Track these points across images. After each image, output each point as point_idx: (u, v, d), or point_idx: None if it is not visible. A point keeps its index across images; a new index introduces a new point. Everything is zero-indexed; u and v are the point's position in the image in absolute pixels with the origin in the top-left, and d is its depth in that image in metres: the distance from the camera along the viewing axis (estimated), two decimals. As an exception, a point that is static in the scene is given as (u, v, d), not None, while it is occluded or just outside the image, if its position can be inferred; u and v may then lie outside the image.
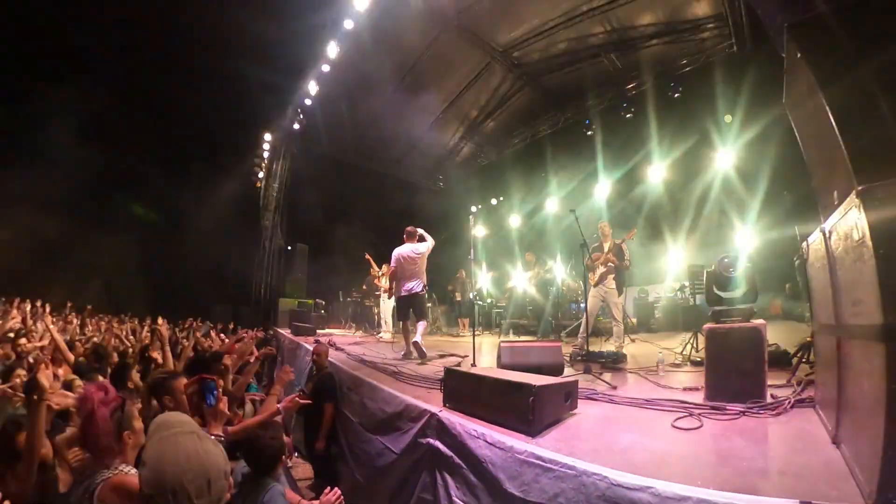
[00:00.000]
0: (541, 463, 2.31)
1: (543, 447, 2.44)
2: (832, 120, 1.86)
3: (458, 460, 3.01)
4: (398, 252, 6.59)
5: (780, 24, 2.11)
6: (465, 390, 3.39)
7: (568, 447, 2.45)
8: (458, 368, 3.71)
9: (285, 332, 11.82)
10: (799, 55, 2.11)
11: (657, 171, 11.30)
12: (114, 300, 14.78)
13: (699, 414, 2.88)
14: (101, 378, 4.12)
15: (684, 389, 3.72)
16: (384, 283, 10.36)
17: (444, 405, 3.50)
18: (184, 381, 3.19)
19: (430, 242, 6.61)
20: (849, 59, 1.87)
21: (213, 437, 1.43)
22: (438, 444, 3.27)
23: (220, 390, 2.38)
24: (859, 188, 1.63)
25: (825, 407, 2.57)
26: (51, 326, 5.31)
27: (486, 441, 2.75)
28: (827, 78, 1.94)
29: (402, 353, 6.55)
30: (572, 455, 2.27)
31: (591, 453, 2.31)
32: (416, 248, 6.57)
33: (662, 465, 2.10)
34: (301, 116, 14.11)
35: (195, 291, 16.32)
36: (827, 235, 2.19)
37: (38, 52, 12.77)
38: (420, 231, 6.69)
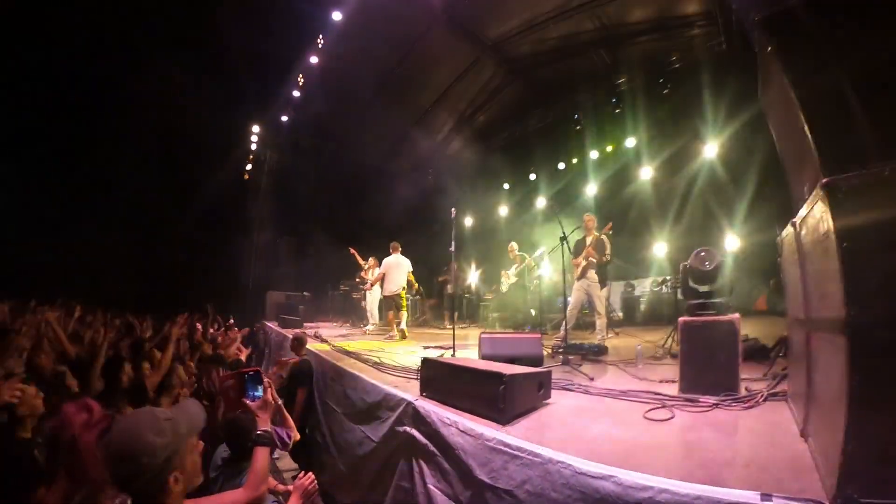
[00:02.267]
0: (509, 450, 2.33)
1: (513, 435, 2.45)
2: (801, 113, 1.86)
3: (432, 448, 3.04)
4: (388, 261, 8.93)
5: (753, 18, 2.11)
6: (440, 379, 3.41)
7: (537, 436, 2.46)
8: (433, 358, 3.71)
9: (273, 325, 11.78)
10: (769, 49, 2.11)
11: (645, 167, 11.33)
12: (102, 294, 14.58)
13: (672, 405, 2.91)
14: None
15: (661, 381, 3.74)
16: (370, 276, 10.36)
17: (422, 394, 3.53)
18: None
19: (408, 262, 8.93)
20: (819, 52, 1.87)
21: (162, 427, 1.42)
22: (414, 432, 3.30)
23: (267, 380, 2.28)
24: (824, 181, 1.64)
25: (796, 401, 2.59)
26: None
27: (458, 429, 2.77)
28: (796, 71, 1.94)
29: (389, 335, 8.56)
30: (541, 443, 2.28)
31: (560, 442, 2.32)
32: (401, 260, 8.88)
33: (629, 455, 2.10)
34: (289, 109, 13.96)
35: (183, 284, 16.14)
36: (797, 229, 2.20)
37: (27, 46, 12.49)
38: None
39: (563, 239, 5.62)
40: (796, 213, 2.26)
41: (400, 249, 9.07)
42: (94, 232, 15.19)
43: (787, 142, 2.45)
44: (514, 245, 9.96)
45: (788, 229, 2.46)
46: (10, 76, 12.66)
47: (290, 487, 2.83)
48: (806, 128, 1.83)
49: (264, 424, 2.07)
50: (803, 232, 2.09)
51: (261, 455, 1.96)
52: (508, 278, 9.78)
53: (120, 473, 1.35)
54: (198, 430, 1.57)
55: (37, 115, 13.79)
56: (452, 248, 5.73)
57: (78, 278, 13.79)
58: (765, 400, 2.94)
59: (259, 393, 2.19)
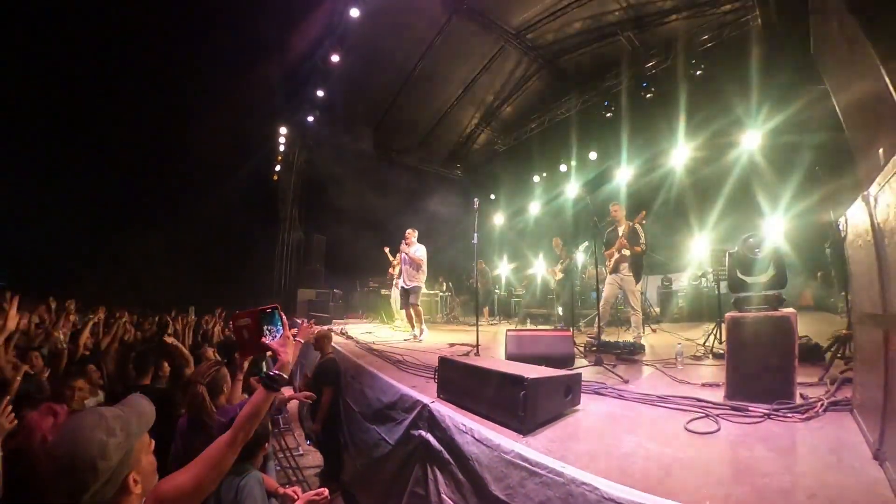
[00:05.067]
0: (527, 466, 2.06)
1: (534, 447, 2.18)
2: (877, 58, 1.49)
3: (447, 455, 2.82)
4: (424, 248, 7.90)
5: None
6: (458, 381, 3.18)
7: (561, 449, 2.17)
8: (451, 357, 3.44)
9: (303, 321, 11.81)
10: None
11: (680, 153, 10.77)
12: (138, 294, 15.03)
13: (717, 415, 2.55)
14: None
15: (703, 385, 3.38)
16: (396, 272, 10.21)
17: (438, 396, 3.32)
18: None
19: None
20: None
21: (112, 426, 1.27)
22: (429, 437, 3.10)
23: (284, 316, 1.96)
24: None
25: (866, 413, 2.20)
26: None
27: (474, 437, 2.53)
28: (871, 15, 1.57)
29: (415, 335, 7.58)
30: (564, 458, 2.00)
31: (587, 458, 2.03)
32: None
33: (667, 477, 1.79)
34: (315, 108, 13.97)
35: (215, 283, 16.50)
36: (872, 203, 1.81)
37: (54, 49, 12.88)
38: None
39: (596, 227, 5.27)
40: (868, 186, 1.88)
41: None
42: (126, 234, 15.70)
43: (853, 101, 2.06)
44: (558, 240, 9.57)
45: (858, 206, 2.06)
46: (41, 85, 13.11)
47: (290, 491, 2.66)
48: (885, 76, 1.47)
49: (284, 367, 1.77)
50: (881, 206, 1.72)
51: (260, 396, 1.67)
52: (556, 274, 9.41)
53: (71, 484, 1.19)
54: (149, 426, 1.42)
55: (67, 121, 14.27)
56: (476, 241, 5.46)
57: (112, 280, 14.26)
58: (825, 410, 2.56)
59: (279, 330, 1.90)
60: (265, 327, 1.90)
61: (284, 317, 1.92)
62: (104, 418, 1.27)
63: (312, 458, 6.45)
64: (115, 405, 1.40)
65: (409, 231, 8.02)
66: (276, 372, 1.72)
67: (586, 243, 8.70)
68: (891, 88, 1.47)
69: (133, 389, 3.88)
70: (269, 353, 1.87)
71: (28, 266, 14.33)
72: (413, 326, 7.71)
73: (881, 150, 1.69)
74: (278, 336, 1.85)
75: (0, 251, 14.31)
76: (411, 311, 7.68)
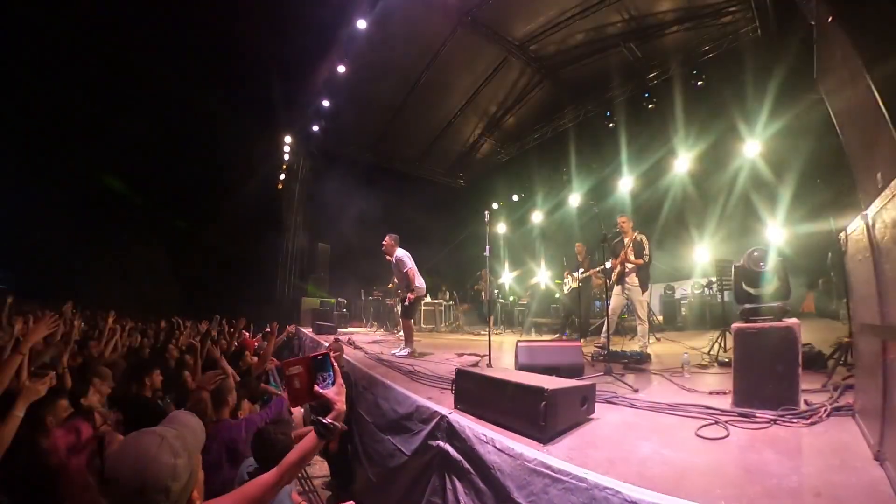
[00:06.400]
0: (550, 473, 2.16)
1: (555, 455, 2.28)
2: (874, 91, 1.63)
3: (466, 465, 2.89)
4: (407, 254, 7.06)
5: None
6: (476, 392, 3.26)
7: (581, 456, 2.28)
8: (468, 369, 3.55)
9: (307, 331, 11.88)
10: (830, 19, 1.87)
11: (682, 163, 10.89)
12: (141, 302, 15.11)
13: (726, 421, 2.67)
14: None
15: (710, 393, 3.49)
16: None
17: (456, 407, 3.38)
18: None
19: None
20: (891, 18, 1.64)
21: (176, 446, 1.29)
22: (448, 447, 3.16)
23: (336, 363, 1.93)
24: (909, 167, 1.42)
25: (867, 417, 2.32)
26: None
27: (495, 447, 2.61)
28: (865, 42, 1.71)
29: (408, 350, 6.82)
30: (585, 465, 2.11)
31: (606, 464, 2.14)
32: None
33: (682, 480, 1.91)
34: (320, 118, 14.13)
35: (220, 292, 16.59)
36: (870, 224, 1.95)
37: (63, 58, 13.07)
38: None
39: (604, 240, 5.39)
40: (867, 207, 2.01)
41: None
42: (129, 242, 15.83)
43: (853, 126, 2.20)
44: (582, 246, 9.48)
45: (857, 223, 2.20)
46: (50, 92, 13.29)
47: None
48: (882, 107, 1.61)
49: (339, 416, 1.75)
50: (878, 227, 1.85)
51: (311, 442, 1.67)
52: (574, 281, 9.39)
53: None
54: (202, 443, 1.47)
55: (73, 128, 14.44)
56: (487, 253, 5.57)
57: (116, 287, 14.35)
58: (828, 415, 2.68)
59: (331, 376, 1.88)
60: (317, 374, 1.87)
61: (336, 363, 1.89)
62: (167, 440, 1.29)
63: (319, 469, 6.50)
64: (163, 424, 1.44)
65: (386, 238, 7.22)
66: (331, 420, 1.69)
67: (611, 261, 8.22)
68: (888, 120, 1.61)
69: (137, 400, 3.96)
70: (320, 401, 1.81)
71: (31, 271, 14.48)
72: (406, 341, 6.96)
73: (879, 175, 1.82)
74: (330, 382, 1.81)
75: (4, 256, 14.44)
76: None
